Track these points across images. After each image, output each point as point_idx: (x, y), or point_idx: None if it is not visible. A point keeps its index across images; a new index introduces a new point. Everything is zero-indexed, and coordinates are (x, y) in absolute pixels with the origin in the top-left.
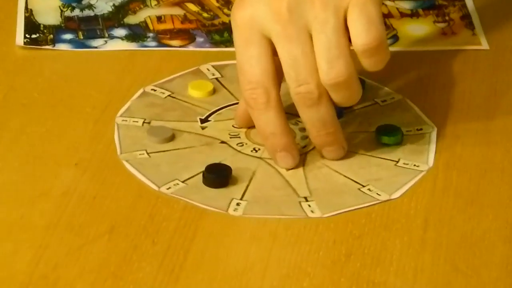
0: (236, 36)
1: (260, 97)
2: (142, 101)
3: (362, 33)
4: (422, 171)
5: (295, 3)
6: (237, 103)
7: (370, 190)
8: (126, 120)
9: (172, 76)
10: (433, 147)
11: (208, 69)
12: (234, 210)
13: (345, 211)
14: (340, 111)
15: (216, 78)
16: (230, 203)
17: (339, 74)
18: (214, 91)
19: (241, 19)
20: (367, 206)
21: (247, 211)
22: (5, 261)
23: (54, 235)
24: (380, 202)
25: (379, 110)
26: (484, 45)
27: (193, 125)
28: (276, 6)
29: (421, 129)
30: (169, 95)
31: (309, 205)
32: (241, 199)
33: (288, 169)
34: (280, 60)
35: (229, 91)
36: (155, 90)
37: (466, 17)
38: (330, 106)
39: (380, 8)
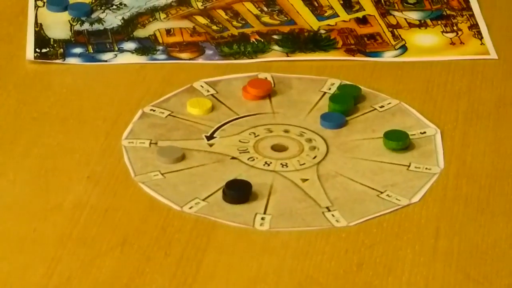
0: None
1: None
2: (144, 122)
3: None
4: (435, 173)
5: None
6: (238, 118)
7: (389, 196)
8: (132, 142)
9: (167, 95)
10: (440, 149)
11: (201, 86)
12: (261, 225)
13: (369, 218)
14: (342, 119)
15: (212, 95)
16: (254, 218)
17: None
18: (212, 108)
19: None
20: (389, 212)
21: (273, 225)
22: (18, 274)
23: (66, 248)
24: (402, 207)
25: (379, 115)
26: (493, 54)
27: (199, 143)
28: None
29: (424, 132)
30: (169, 114)
31: (333, 215)
32: (264, 213)
33: None
34: None
35: (227, 107)
36: (154, 110)
37: (474, 27)
38: None
39: None
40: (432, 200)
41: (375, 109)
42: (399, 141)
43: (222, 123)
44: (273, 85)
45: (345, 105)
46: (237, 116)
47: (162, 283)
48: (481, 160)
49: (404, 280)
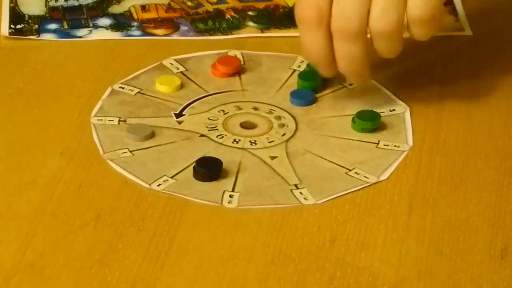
0: None
1: (313, 17)
2: (113, 99)
3: (420, 7)
4: (403, 151)
5: None
6: (207, 95)
7: (358, 174)
8: (101, 120)
9: (137, 73)
10: (409, 126)
11: (171, 63)
12: (229, 203)
13: (337, 196)
14: (312, 96)
15: (182, 72)
16: (223, 195)
17: (390, 24)
18: (182, 85)
19: None
20: (357, 190)
21: (241, 202)
22: None
23: (40, 224)
24: (370, 185)
25: (349, 93)
26: (467, 31)
27: (169, 120)
28: None
29: (393, 110)
30: (138, 92)
31: (301, 193)
32: (232, 191)
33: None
34: None
35: (197, 84)
36: (123, 88)
37: (449, 3)
38: (364, 48)
39: None
40: (405, 176)
41: (345, 86)
42: (370, 121)
43: (191, 100)
44: (242, 63)
45: (313, 82)
46: (206, 94)
47: (135, 258)
48: (454, 137)
49: (376, 255)
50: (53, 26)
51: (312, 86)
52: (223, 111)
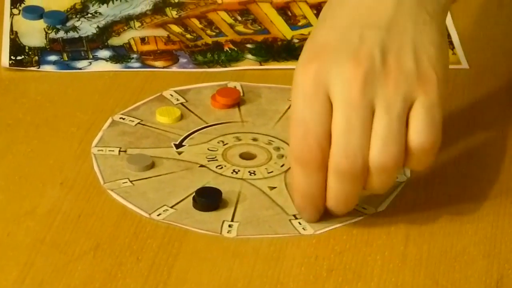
0: (300, 86)
1: (316, 159)
2: (114, 130)
3: (422, 133)
4: (401, 182)
5: (371, 75)
6: (207, 127)
7: (356, 205)
8: (102, 150)
9: (137, 104)
10: None
11: (171, 95)
12: (228, 232)
13: (335, 227)
14: None
15: (181, 103)
16: (222, 225)
17: (391, 158)
18: (181, 116)
19: (309, 71)
20: (356, 221)
21: (240, 232)
22: None
23: (39, 253)
24: (367, 216)
25: None
26: (464, 64)
27: (168, 151)
28: (352, 72)
29: None
30: (138, 123)
31: (300, 223)
32: (232, 220)
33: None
34: (332, 125)
35: (196, 115)
36: (123, 119)
37: None
38: (360, 187)
39: (442, 114)
40: (402, 207)
41: None
42: None
43: (191, 131)
44: (242, 94)
45: None
46: (206, 125)
47: (134, 287)
48: (451, 168)
49: (373, 285)
50: (53, 57)
51: None
52: (223, 142)
